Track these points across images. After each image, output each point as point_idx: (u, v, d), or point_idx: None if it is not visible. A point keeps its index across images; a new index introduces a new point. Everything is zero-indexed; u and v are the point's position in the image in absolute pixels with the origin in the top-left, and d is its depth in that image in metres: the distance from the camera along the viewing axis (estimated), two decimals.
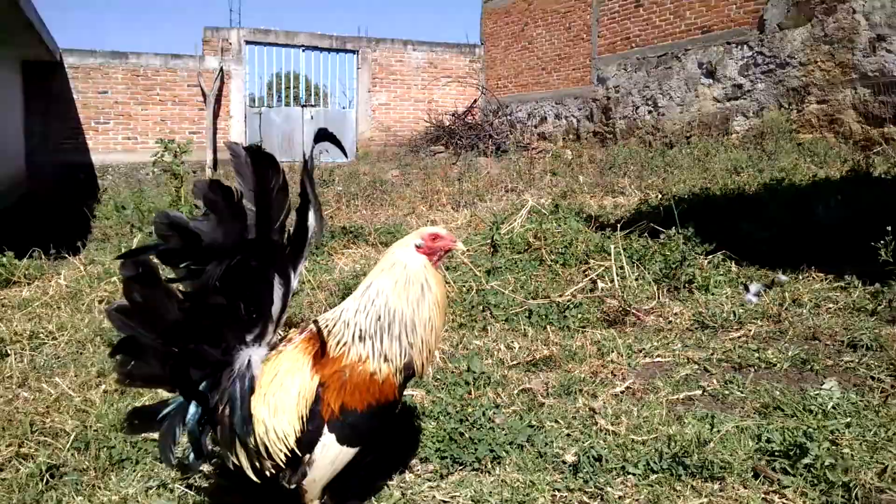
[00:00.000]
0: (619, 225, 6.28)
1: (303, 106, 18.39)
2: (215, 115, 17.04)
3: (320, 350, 2.26)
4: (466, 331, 4.31)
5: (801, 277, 4.63)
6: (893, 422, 2.84)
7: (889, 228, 4.03)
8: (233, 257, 2.04)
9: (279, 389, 2.18)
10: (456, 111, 18.02)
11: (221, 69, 17.13)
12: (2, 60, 12.69)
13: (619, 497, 2.50)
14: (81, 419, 3.42)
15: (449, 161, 15.47)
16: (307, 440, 2.17)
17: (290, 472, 2.21)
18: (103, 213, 10.01)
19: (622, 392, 3.34)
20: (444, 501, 2.60)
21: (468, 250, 5.71)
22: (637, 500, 2.48)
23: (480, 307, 4.54)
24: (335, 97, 18.68)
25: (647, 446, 2.79)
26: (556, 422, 3.07)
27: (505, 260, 5.49)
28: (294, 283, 2.21)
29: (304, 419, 2.16)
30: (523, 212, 6.56)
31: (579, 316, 4.25)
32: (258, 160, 2.08)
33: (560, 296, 4.52)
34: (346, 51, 18.63)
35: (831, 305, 4.10)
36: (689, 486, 2.51)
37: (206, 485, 2.80)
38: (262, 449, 2.13)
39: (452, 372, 3.59)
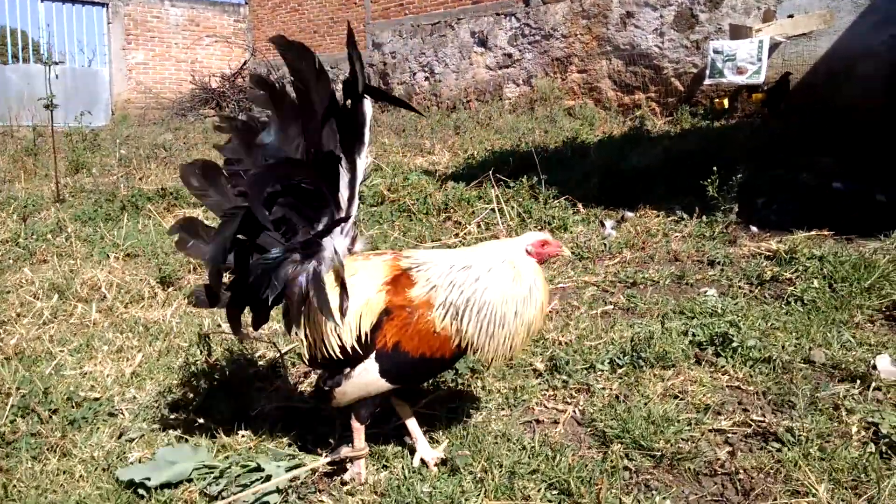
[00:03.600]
0: (448, 176, 6.72)
1: (46, 63, 16.44)
2: None
3: (401, 275, 2.29)
4: None
5: (639, 215, 5.38)
6: (767, 315, 3.56)
7: (714, 168, 4.85)
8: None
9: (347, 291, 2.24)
10: (224, 73, 17.25)
11: None
12: None
13: (602, 388, 2.91)
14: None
15: None
16: (353, 356, 2.25)
17: (328, 374, 2.33)
18: None
19: (550, 312, 3.76)
20: (453, 407, 2.83)
21: None
22: (615, 388, 2.91)
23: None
24: (83, 55, 16.95)
25: (602, 348, 3.24)
26: None
27: (372, 210, 5.66)
28: (360, 169, 2.29)
29: (361, 337, 2.23)
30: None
31: None
32: (289, 49, 2.25)
33: (457, 236, 4.85)
34: (94, 3, 16.98)
35: (677, 234, 4.87)
36: (651, 374, 2.99)
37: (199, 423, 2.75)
38: (318, 336, 2.28)
39: None
